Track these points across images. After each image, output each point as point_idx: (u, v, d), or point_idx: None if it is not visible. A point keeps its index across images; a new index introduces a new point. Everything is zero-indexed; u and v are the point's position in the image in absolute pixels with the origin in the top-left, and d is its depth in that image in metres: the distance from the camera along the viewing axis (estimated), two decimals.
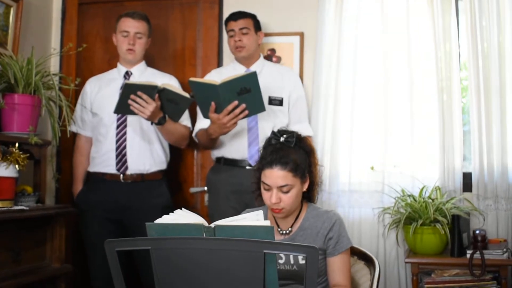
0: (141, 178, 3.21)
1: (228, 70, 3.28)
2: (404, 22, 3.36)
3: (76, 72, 3.72)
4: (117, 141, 3.20)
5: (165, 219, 1.67)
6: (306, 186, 2.18)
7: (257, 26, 3.30)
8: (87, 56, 3.74)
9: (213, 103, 2.90)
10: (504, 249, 2.92)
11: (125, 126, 3.21)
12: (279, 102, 3.25)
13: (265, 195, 2.12)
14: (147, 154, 3.22)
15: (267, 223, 1.56)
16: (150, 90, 2.96)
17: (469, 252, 2.90)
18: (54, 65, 3.74)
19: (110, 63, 3.62)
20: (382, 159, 3.34)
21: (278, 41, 3.58)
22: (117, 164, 3.19)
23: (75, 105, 3.36)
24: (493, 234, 3.16)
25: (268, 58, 3.56)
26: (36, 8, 3.62)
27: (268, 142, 2.21)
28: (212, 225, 1.58)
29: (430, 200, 3.06)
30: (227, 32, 3.29)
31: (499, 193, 3.18)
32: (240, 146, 3.20)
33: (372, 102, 3.41)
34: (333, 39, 3.41)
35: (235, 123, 2.96)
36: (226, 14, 3.41)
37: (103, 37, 3.78)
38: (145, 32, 3.26)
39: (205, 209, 3.46)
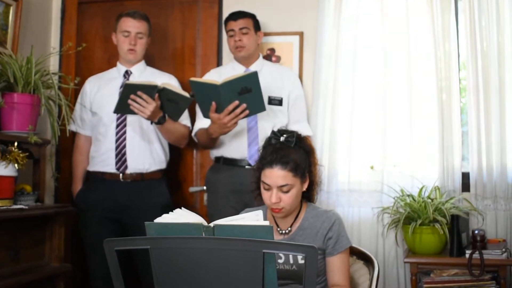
0: (141, 177, 3.21)
1: (227, 70, 3.29)
2: (403, 22, 3.36)
3: (75, 71, 3.72)
4: (116, 140, 3.20)
5: (165, 218, 1.67)
6: (306, 186, 2.18)
7: (256, 26, 3.30)
8: (87, 55, 3.74)
9: (214, 103, 2.90)
10: (503, 249, 2.92)
11: (125, 126, 3.21)
12: (279, 102, 3.25)
13: (265, 194, 2.12)
14: (146, 154, 3.22)
15: (266, 222, 1.56)
16: (150, 90, 2.96)
17: (468, 252, 2.90)
18: (53, 64, 3.74)
19: (110, 62, 3.62)
20: (381, 159, 3.34)
21: (278, 40, 3.57)
22: (116, 163, 3.19)
23: (74, 104, 3.36)
24: (492, 234, 3.17)
25: (268, 57, 3.56)
26: (36, 7, 3.61)
27: (268, 141, 2.21)
28: (211, 224, 1.58)
29: (429, 200, 3.06)
30: (227, 32, 3.29)
31: (498, 193, 3.18)
32: (239, 146, 3.20)
33: (372, 101, 3.42)
34: (333, 38, 3.41)
35: (236, 123, 2.96)
36: (225, 14, 3.41)
37: (103, 36, 3.78)
38: (146, 32, 3.26)
39: (204, 209, 3.46)
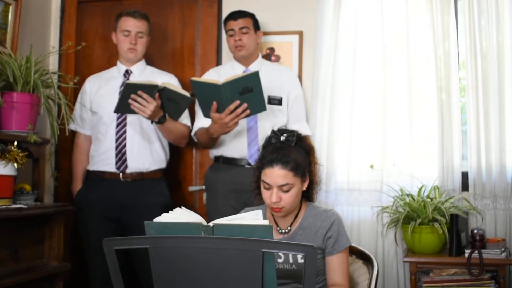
0: (141, 177, 3.22)
1: (226, 69, 3.29)
2: (403, 21, 3.36)
3: (75, 71, 3.71)
4: (117, 140, 3.20)
5: (164, 217, 1.67)
6: (306, 185, 2.18)
7: (256, 25, 3.30)
8: (86, 54, 3.74)
9: (215, 103, 2.90)
10: (502, 249, 2.93)
11: (125, 125, 3.21)
12: (278, 102, 3.25)
13: (265, 194, 2.12)
14: (146, 153, 3.23)
15: (266, 222, 1.56)
16: (150, 89, 2.96)
17: (467, 251, 2.91)
18: (53, 63, 3.74)
19: (109, 61, 3.62)
20: (380, 158, 3.34)
21: (277, 40, 3.57)
22: (116, 162, 3.19)
23: (74, 103, 3.36)
24: (491, 234, 3.17)
25: (267, 57, 3.56)
26: (35, 6, 3.61)
27: (268, 141, 2.21)
28: (211, 224, 1.58)
29: (429, 200, 3.06)
30: (226, 31, 3.29)
31: (497, 192, 3.18)
32: (239, 145, 3.20)
33: (371, 101, 3.41)
34: (332, 38, 3.41)
35: (237, 123, 2.96)
36: (225, 13, 3.41)
37: (102, 35, 3.78)
38: (146, 31, 3.26)
39: (204, 208, 3.46)
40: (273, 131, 2.22)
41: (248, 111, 2.92)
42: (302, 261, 2.05)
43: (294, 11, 3.58)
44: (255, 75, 2.86)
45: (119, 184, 3.19)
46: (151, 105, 2.97)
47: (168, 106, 3.07)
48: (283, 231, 2.20)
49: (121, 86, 3.23)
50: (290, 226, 2.20)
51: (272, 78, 3.25)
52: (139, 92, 2.95)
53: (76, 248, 3.41)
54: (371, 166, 3.35)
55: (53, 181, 3.46)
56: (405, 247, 3.19)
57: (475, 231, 2.96)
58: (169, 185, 3.33)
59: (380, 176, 3.32)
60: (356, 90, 3.42)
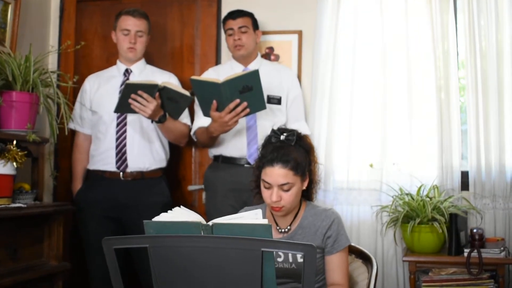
0: (141, 176, 3.22)
1: (226, 69, 3.29)
2: (402, 21, 3.36)
3: (74, 70, 3.71)
4: (117, 139, 3.19)
5: (163, 217, 1.67)
6: (305, 184, 2.18)
7: (255, 24, 3.30)
8: (85, 53, 3.74)
9: (214, 101, 2.90)
10: (502, 248, 2.93)
11: (125, 124, 3.21)
12: (278, 101, 3.25)
13: (265, 193, 2.12)
14: (147, 152, 3.23)
15: (265, 221, 1.56)
16: (150, 89, 2.96)
17: (466, 250, 2.91)
18: (52, 62, 3.73)
19: (108, 60, 3.62)
20: (380, 158, 3.35)
21: (277, 39, 3.58)
22: (117, 162, 3.18)
23: (73, 102, 3.35)
24: (491, 233, 3.17)
25: (267, 56, 3.56)
26: (35, 5, 3.61)
27: (268, 140, 2.21)
28: (210, 223, 1.58)
29: (428, 199, 3.06)
30: (225, 31, 3.29)
31: (497, 191, 3.19)
32: (239, 144, 3.20)
33: (370, 100, 3.42)
34: (332, 37, 3.41)
35: (237, 121, 2.96)
36: (224, 12, 3.41)
37: (101, 34, 3.77)
38: (146, 30, 3.26)
39: (203, 207, 3.46)
40: (273, 130, 2.22)
41: (248, 110, 2.92)
42: (302, 260, 2.05)
43: (293, 10, 3.57)
44: (255, 74, 2.86)
45: (119, 183, 3.19)
46: (151, 104, 2.97)
47: (168, 105, 3.07)
48: (283, 230, 2.20)
49: (121, 85, 3.23)
50: (290, 225, 2.20)
51: (271, 78, 3.25)
52: (139, 92, 2.95)
53: (75, 247, 3.41)
54: (371, 165, 3.35)
55: (53, 180, 3.46)
56: (404, 247, 3.19)
57: (474, 230, 2.96)
58: (169, 185, 3.33)
59: (380, 175, 3.33)
60: (355, 90, 3.42)
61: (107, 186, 3.19)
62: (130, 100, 2.97)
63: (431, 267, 3.02)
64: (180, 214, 1.68)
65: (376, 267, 2.20)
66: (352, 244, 2.31)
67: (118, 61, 3.36)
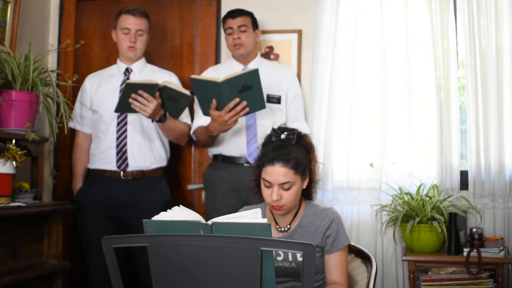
0: (142, 175, 3.22)
1: (225, 68, 3.29)
2: (402, 20, 3.36)
3: (73, 69, 3.71)
4: (117, 138, 3.19)
5: (162, 216, 1.67)
6: (306, 183, 2.18)
7: (254, 24, 3.29)
8: (85, 52, 3.73)
9: (214, 100, 2.90)
10: (501, 247, 2.93)
11: (126, 123, 3.21)
12: (277, 100, 3.25)
13: (266, 192, 2.12)
14: (147, 151, 3.22)
15: (265, 220, 1.56)
16: (151, 88, 2.96)
17: (466, 250, 2.91)
18: (51, 61, 3.73)
19: (108, 59, 3.62)
20: (380, 157, 3.35)
21: (276, 38, 3.58)
22: (117, 161, 3.18)
23: (72, 102, 3.35)
24: (490, 232, 3.17)
25: (266, 55, 3.56)
26: (34, 4, 3.61)
27: (268, 139, 2.21)
28: (210, 222, 1.58)
29: (427, 198, 3.07)
30: (225, 30, 3.29)
31: (496, 191, 3.19)
32: (238, 144, 3.20)
33: (370, 99, 3.41)
34: (331, 36, 3.41)
35: (236, 121, 2.96)
36: (224, 12, 3.41)
37: (101, 34, 3.77)
38: (146, 29, 3.25)
39: (202, 206, 3.46)
40: (273, 129, 2.22)
41: (247, 109, 2.92)
42: (302, 259, 2.05)
43: (293, 10, 3.57)
44: (255, 73, 2.86)
45: (119, 182, 3.19)
46: (151, 104, 2.97)
47: (168, 104, 3.07)
48: (282, 229, 2.20)
49: (121, 85, 3.23)
50: (290, 224, 2.20)
51: (271, 77, 3.25)
52: (140, 92, 2.95)
53: (75, 246, 3.41)
54: (371, 165, 3.35)
55: (52, 179, 3.46)
56: (403, 246, 3.19)
57: (474, 230, 2.96)
58: (169, 184, 3.33)
59: (379, 174, 3.33)
60: (355, 89, 3.42)
61: (108, 185, 3.19)
62: (130, 100, 2.97)
63: (430, 267, 3.02)
64: (179, 213, 1.68)
65: (375, 267, 2.20)
66: (352, 243, 2.31)
67: (118, 60, 3.35)
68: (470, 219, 3.21)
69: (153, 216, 1.66)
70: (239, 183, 3.07)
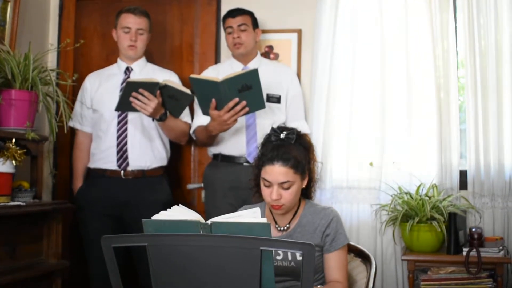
0: (142, 174, 3.21)
1: (225, 67, 3.29)
2: (402, 20, 3.36)
3: (73, 68, 3.71)
4: (118, 137, 3.19)
5: (162, 215, 1.67)
6: (305, 182, 2.18)
7: (255, 23, 3.29)
8: (85, 52, 3.73)
9: (214, 100, 2.90)
10: (500, 247, 2.93)
11: (126, 123, 3.21)
12: (277, 100, 3.25)
13: (265, 191, 2.12)
14: (148, 151, 3.22)
15: (264, 220, 1.57)
16: (151, 87, 2.96)
17: (465, 249, 2.91)
18: (51, 60, 3.73)
19: (108, 59, 3.61)
20: (379, 157, 3.34)
21: (276, 38, 3.57)
22: (118, 160, 3.18)
23: (72, 101, 3.35)
24: (490, 232, 3.17)
25: (266, 55, 3.56)
26: (34, 3, 3.61)
27: (268, 138, 2.21)
28: (209, 221, 1.58)
29: (427, 198, 3.06)
30: (225, 29, 3.29)
31: (496, 191, 3.19)
32: (238, 143, 3.20)
33: (370, 99, 3.41)
34: (331, 36, 3.41)
35: (235, 120, 2.96)
36: (223, 11, 3.40)
37: (101, 33, 3.77)
38: (146, 28, 3.25)
39: (202, 206, 3.46)
40: (272, 129, 2.22)
41: (247, 109, 2.92)
42: (301, 258, 2.05)
43: (293, 9, 3.57)
44: (254, 73, 2.86)
45: (120, 182, 3.19)
46: (152, 102, 2.97)
47: (169, 103, 3.07)
48: (282, 228, 2.20)
49: (121, 84, 3.23)
50: (289, 223, 2.20)
51: (271, 76, 3.24)
52: (140, 90, 2.95)
53: (75, 245, 3.41)
54: (371, 164, 3.35)
55: (52, 178, 3.46)
56: (403, 245, 3.19)
57: (473, 229, 2.96)
58: (170, 183, 3.33)
59: (379, 174, 3.33)
60: (355, 88, 3.41)
61: (108, 185, 3.19)
62: (131, 98, 2.97)
63: (430, 266, 3.02)
64: (179, 213, 1.68)
65: (375, 266, 2.20)
66: (351, 243, 2.31)
67: (118, 59, 3.35)
68: (470, 218, 3.21)
69: (153, 216, 1.66)
70: (238, 183, 3.07)
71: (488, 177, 3.20)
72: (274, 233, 2.18)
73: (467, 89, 3.27)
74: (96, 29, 3.80)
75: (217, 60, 3.64)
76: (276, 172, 2.09)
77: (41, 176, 3.13)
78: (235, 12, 3.25)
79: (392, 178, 3.29)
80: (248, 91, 2.87)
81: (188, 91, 3.05)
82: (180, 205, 1.72)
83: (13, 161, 2.75)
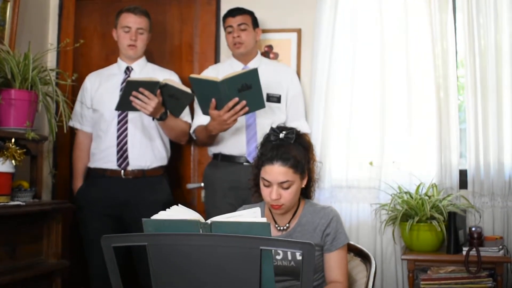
0: (142, 174, 3.21)
1: (225, 67, 3.29)
2: (401, 19, 3.36)
3: (73, 68, 3.72)
4: (118, 137, 3.19)
5: (162, 215, 1.67)
6: (305, 182, 2.18)
7: (255, 22, 3.29)
8: (84, 51, 3.73)
9: (213, 100, 2.90)
10: (500, 246, 2.93)
11: (126, 122, 3.21)
12: (277, 99, 3.25)
13: (265, 191, 2.12)
14: (148, 150, 3.22)
15: (264, 219, 1.57)
16: (152, 86, 2.96)
17: (465, 249, 2.91)
18: (51, 60, 3.73)
19: (107, 58, 3.61)
20: (379, 156, 3.35)
21: (276, 37, 3.57)
22: (118, 160, 3.18)
23: (72, 100, 3.35)
24: (489, 231, 3.17)
25: (266, 54, 3.56)
26: (34, 3, 3.61)
27: (267, 138, 2.21)
28: (209, 221, 1.58)
29: (427, 197, 3.06)
30: (225, 28, 3.29)
31: (495, 190, 3.19)
32: (238, 143, 3.20)
33: (369, 98, 3.41)
34: (331, 35, 3.41)
35: (235, 120, 2.96)
36: (223, 11, 3.40)
37: (100, 32, 3.77)
38: (147, 28, 3.25)
39: (201, 205, 3.46)
40: (272, 129, 2.22)
41: (247, 108, 2.92)
42: (301, 258, 2.05)
43: (292, 9, 3.57)
44: (254, 72, 2.86)
45: (120, 181, 3.19)
46: (152, 102, 2.97)
47: (169, 102, 3.07)
48: (281, 228, 2.20)
49: (122, 83, 3.23)
50: (289, 223, 2.20)
51: (271, 76, 3.24)
52: (141, 89, 2.95)
53: (75, 245, 3.41)
54: (371, 163, 3.35)
55: (51, 178, 3.46)
56: (403, 245, 3.19)
57: (473, 229, 2.96)
58: (170, 183, 3.32)
59: (379, 173, 3.33)
60: (354, 88, 3.41)
61: (108, 185, 3.19)
62: (131, 98, 2.97)
63: (429, 266, 3.02)
64: (178, 212, 1.68)
65: (374, 266, 2.20)
66: (351, 242, 2.31)
67: (118, 59, 3.35)
68: (469, 218, 3.21)
69: (153, 216, 1.66)
70: (238, 182, 3.07)
71: (487, 176, 3.20)
72: (274, 233, 2.18)
73: (466, 88, 3.27)
74: (96, 29, 3.79)
75: (216, 60, 3.64)
76: (275, 171, 2.09)
77: (41, 176, 3.13)
78: (235, 12, 3.25)
79: (391, 178, 3.29)
80: (248, 91, 2.87)
81: (188, 90, 3.04)
82: (180, 204, 1.72)
83: (13, 161, 2.75)
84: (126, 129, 3.20)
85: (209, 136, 3.15)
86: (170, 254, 1.59)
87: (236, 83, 2.85)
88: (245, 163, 3.17)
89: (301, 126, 3.19)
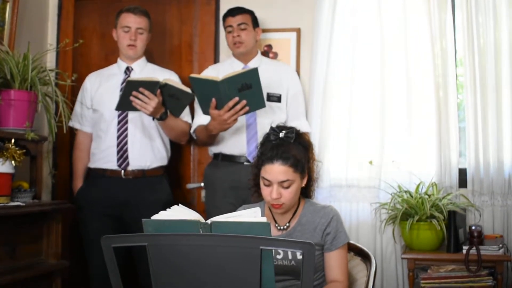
0: (142, 174, 3.21)
1: (225, 67, 3.28)
2: (400, 18, 3.36)
3: (72, 68, 3.72)
4: (118, 137, 3.19)
5: (162, 215, 1.67)
6: (305, 181, 2.19)
7: (255, 22, 3.29)
8: (84, 52, 3.73)
9: (214, 100, 2.90)
10: (500, 245, 2.93)
11: (126, 122, 3.21)
12: (277, 99, 3.25)
13: (265, 190, 2.12)
14: (148, 150, 3.22)
15: (264, 219, 1.57)
16: (152, 85, 2.96)
17: (465, 248, 2.91)
18: (50, 60, 3.73)
19: (107, 59, 3.61)
20: (379, 155, 3.35)
21: (275, 37, 3.57)
22: (118, 160, 3.18)
23: (71, 101, 3.35)
24: (489, 230, 3.18)
25: (265, 54, 3.56)
26: (33, 3, 3.60)
27: (267, 138, 2.21)
28: (209, 221, 1.58)
29: (427, 196, 3.06)
30: (225, 28, 3.29)
31: (495, 188, 3.19)
32: (238, 142, 3.20)
33: (369, 97, 3.41)
34: (330, 35, 3.41)
35: (236, 120, 2.96)
36: (223, 10, 3.40)
37: (100, 33, 3.77)
38: (146, 28, 3.25)
39: (201, 205, 3.46)
40: (271, 128, 2.22)
41: (247, 108, 2.92)
42: (301, 257, 2.05)
43: (292, 8, 3.58)
44: (254, 72, 2.86)
45: (120, 181, 3.19)
46: (152, 101, 2.97)
47: (169, 102, 3.07)
48: (282, 227, 2.20)
49: (121, 83, 3.23)
50: (289, 222, 2.20)
51: (271, 75, 3.24)
52: (141, 89, 2.95)
53: (75, 245, 3.41)
54: (370, 162, 3.35)
55: (51, 178, 3.46)
56: (403, 244, 3.19)
57: (473, 227, 2.97)
58: (170, 183, 3.32)
59: (378, 172, 3.33)
60: (354, 87, 3.41)
61: (108, 185, 3.19)
62: (131, 98, 2.97)
63: (430, 264, 3.02)
64: (178, 212, 1.68)
65: (375, 265, 2.20)
66: (351, 241, 2.31)
67: (118, 59, 3.35)
68: (469, 217, 3.21)
69: (153, 216, 1.66)
70: (239, 182, 3.06)
71: (487, 175, 3.20)
72: (274, 232, 2.18)
73: (466, 87, 3.27)
74: (95, 29, 3.79)
75: (216, 60, 3.64)
76: (275, 171, 2.09)
77: (41, 176, 3.13)
78: (235, 11, 3.25)
79: (391, 177, 3.29)
80: (248, 90, 2.87)
81: (188, 90, 3.04)
82: (180, 204, 1.72)
83: (13, 162, 2.75)
84: (126, 129, 3.20)
85: (210, 136, 3.15)
86: (170, 254, 1.59)
87: (236, 83, 2.85)
88: (245, 163, 3.17)
89: (302, 125, 3.20)
